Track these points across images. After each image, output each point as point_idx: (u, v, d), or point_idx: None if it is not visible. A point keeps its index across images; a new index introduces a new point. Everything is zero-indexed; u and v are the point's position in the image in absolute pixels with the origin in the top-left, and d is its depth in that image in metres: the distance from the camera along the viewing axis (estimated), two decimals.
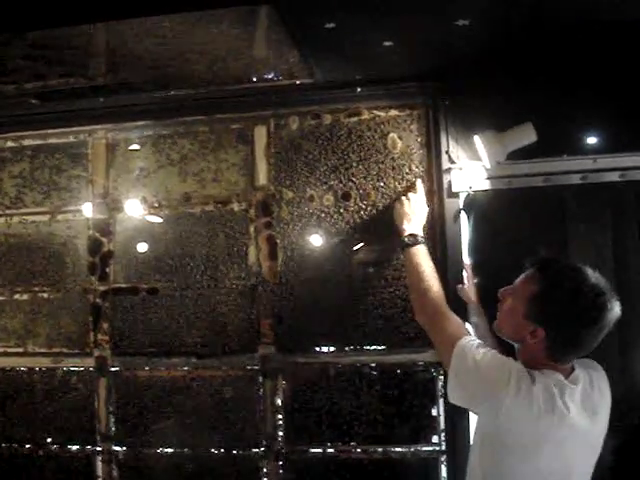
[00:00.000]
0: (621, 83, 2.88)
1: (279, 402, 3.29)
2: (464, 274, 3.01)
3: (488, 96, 3.01)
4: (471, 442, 2.60)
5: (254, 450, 3.31)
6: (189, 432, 3.38)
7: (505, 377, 2.27)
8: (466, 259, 3.04)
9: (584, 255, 2.90)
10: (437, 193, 3.10)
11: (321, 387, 3.25)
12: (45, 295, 3.57)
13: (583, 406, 2.32)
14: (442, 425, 3.12)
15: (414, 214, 2.99)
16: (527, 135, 2.88)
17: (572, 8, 2.37)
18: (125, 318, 3.45)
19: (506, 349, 2.53)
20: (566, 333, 2.33)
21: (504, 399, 2.24)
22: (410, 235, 2.90)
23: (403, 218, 2.99)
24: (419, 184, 3.11)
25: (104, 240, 3.49)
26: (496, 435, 2.32)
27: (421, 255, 2.84)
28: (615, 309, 2.31)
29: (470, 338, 2.51)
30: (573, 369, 2.41)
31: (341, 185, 3.25)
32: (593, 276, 2.34)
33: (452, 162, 3.06)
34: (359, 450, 3.21)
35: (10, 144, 3.65)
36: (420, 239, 2.89)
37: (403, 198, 3.05)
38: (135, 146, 3.50)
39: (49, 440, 3.53)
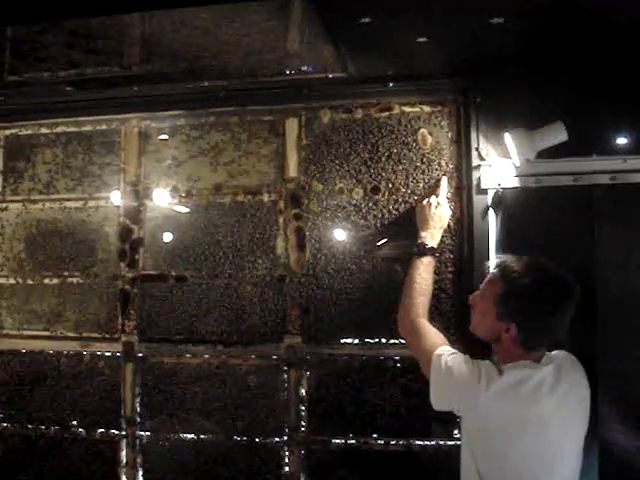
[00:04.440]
0: None
1: (303, 392, 3.32)
2: None
3: (519, 94, 3.01)
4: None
5: (276, 439, 3.34)
6: (213, 419, 3.41)
7: (475, 376, 2.43)
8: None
9: (612, 255, 2.91)
10: (466, 189, 3.12)
11: (345, 378, 3.27)
12: (75, 280, 3.61)
13: (554, 383, 2.45)
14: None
15: (433, 220, 3.01)
16: (558, 134, 2.88)
17: (605, 9, 2.38)
18: (153, 305, 3.49)
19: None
20: (535, 324, 2.49)
21: (479, 396, 2.39)
22: (420, 244, 2.96)
23: (422, 223, 3.03)
24: (443, 185, 3.13)
25: (134, 227, 3.53)
26: (481, 430, 2.47)
27: (421, 268, 2.91)
28: (574, 295, 2.51)
29: (445, 348, 2.64)
30: (542, 356, 2.54)
31: (370, 179, 3.27)
32: (551, 268, 2.53)
33: (482, 159, 3.06)
34: (381, 442, 3.23)
35: (44, 130, 3.69)
36: (428, 250, 2.95)
37: (425, 202, 3.06)
38: (167, 135, 3.53)
39: (74, 423, 3.57)
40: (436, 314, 3.00)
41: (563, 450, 2.49)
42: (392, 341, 3.23)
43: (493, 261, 2.97)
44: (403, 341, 3.13)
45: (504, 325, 2.49)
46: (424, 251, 2.93)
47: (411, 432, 3.20)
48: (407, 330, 2.85)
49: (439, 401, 2.57)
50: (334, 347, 3.29)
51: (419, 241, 2.96)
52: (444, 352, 2.59)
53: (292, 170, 3.37)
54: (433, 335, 2.74)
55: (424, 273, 2.90)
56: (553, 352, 2.60)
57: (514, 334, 2.48)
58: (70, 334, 3.61)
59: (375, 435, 3.24)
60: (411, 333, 2.82)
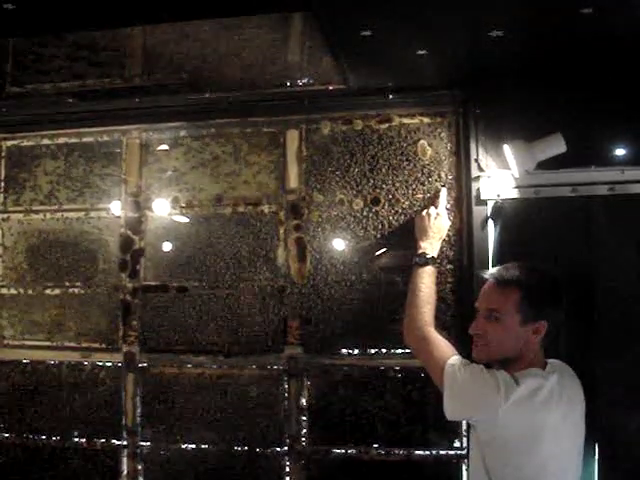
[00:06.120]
0: None
1: (304, 402, 3.32)
2: None
3: (518, 106, 3.03)
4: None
5: (277, 449, 3.35)
6: (214, 429, 3.42)
7: (494, 386, 2.40)
8: None
9: (610, 265, 2.93)
10: (465, 200, 3.13)
11: (345, 388, 3.28)
12: (76, 290, 3.62)
13: (561, 391, 2.47)
14: (464, 429, 3.13)
15: (432, 230, 3.01)
16: (556, 145, 2.90)
17: (602, 23, 2.40)
18: (154, 315, 3.50)
19: None
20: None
21: (499, 406, 2.37)
22: (421, 254, 2.96)
23: (421, 234, 3.03)
24: (442, 196, 3.14)
25: (135, 238, 3.54)
26: (497, 439, 2.45)
27: (424, 277, 2.91)
28: None
29: (456, 358, 2.62)
30: (546, 363, 2.58)
31: (370, 190, 3.28)
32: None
33: (481, 170, 3.08)
34: (381, 452, 3.24)
35: (46, 141, 3.70)
36: (430, 260, 2.94)
37: (424, 213, 3.07)
38: (168, 146, 3.55)
39: (76, 433, 3.57)
40: (435, 324, 3.00)
41: (572, 458, 2.53)
42: (392, 351, 3.24)
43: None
44: (403, 351, 3.16)
45: (531, 328, 2.51)
46: (426, 261, 2.93)
47: (411, 442, 3.21)
48: (415, 339, 2.83)
49: (455, 411, 2.55)
50: (334, 357, 3.30)
51: (420, 251, 2.96)
52: (457, 362, 2.57)
53: (293, 181, 3.39)
54: (443, 344, 2.72)
55: (428, 282, 2.90)
56: (550, 360, 2.62)
57: (543, 332, 2.52)
58: (71, 344, 3.61)
59: (376, 445, 3.24)
60: (419, 342, 2.79)
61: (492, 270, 2.68)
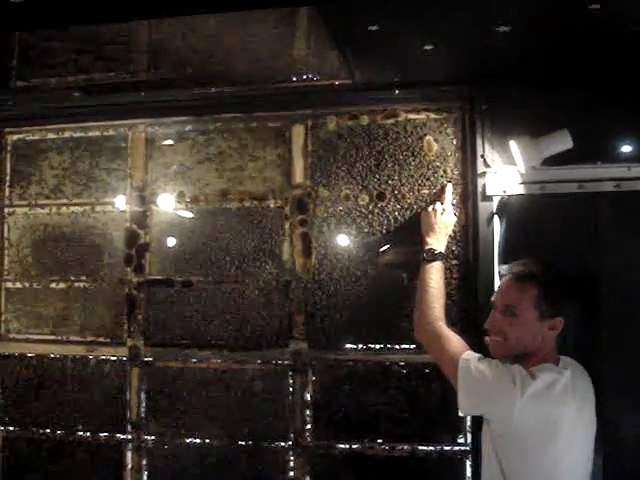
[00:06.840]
0: None
1: (308, 397, 3.33)
2: None
3: (525, 102, 3.03)
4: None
5: (282, 444, 3.35)
6: (218, 424, 3.42)
7: (510, 380, 2.42)
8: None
9: (616, 262, 2.92)
10: (471, 196, 3.12)
11: (350, 384, 3.29)
12: (81, 285, 3.62)
13: (574, 387, 2.50)
14: (468, 425, 3.14)
15: (439, 226, 3.02)
16: (563, 141, 2.89)
17: (610, 19, 2.39)
18: (159, 309, 3.50)
19: None
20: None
21: (515, 400, 2.37)
22: (428, 250, 2.96)
23: (428, 230, 3.03)
24: (448, 192, 3.13)
25: (141, 232, 3.54)
26: (512, 433, 2.44)
27: (432, 273, 2.91)
28: None
29: (470, 353, 2.63)
30: (558, 359, 2.60)
31: (376, 185, 3.28)
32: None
33: (487, 166, 3.07)
34: (385, 447, 3.24)
35: (51, 136, 3.70)
36: (438, 255, 2.95)
37: (430, 209, 3.07)
38: (174, 141, 3.55)
39: (80, 427, 3.58)
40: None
41: (585, 453, 2.54)
42: (397, 346, 3.24)
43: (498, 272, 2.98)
44: (408, 346, 3.16)
45: (547, 324, 2.54)
46: (434, 257, 2.93)
47: (416, 437, 3.21)
48: (426, 335, 2.84)
49: (469, 405, 2.57)
50: (339, 352, 3.30)
51: (427, 247, 2.96)
52: (471, 356, 2.58)
53: (298, 176, 3.38)
54: (454, 339, 2.72)
55: (436, 278, 2.90)
56: (562, 356, 2.63)
57: (559, 329, 2.55)
58: (76, 338, 3.62)
59: (380, 440, 3.24)
60: (431, 338, 2.80)
61: (509, 266, 2.70)
